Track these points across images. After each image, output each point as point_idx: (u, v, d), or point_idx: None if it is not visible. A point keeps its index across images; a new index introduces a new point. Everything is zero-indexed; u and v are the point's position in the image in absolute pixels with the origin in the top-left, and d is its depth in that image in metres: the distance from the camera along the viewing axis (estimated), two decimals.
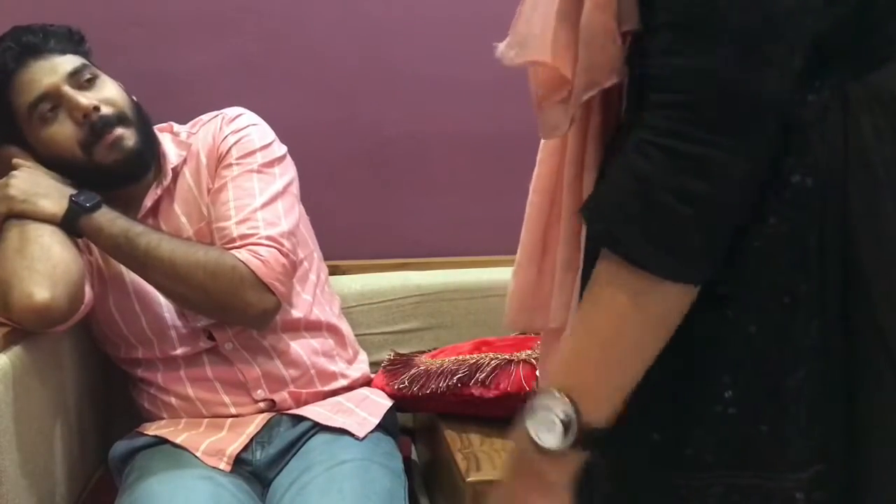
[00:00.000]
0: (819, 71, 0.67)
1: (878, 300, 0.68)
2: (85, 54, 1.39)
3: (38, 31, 1.35)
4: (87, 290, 1.34)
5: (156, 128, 1.47)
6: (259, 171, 1.41)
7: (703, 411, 0.70)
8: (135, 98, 1.43)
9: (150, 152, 1.41)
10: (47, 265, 1.24)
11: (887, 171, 0.68)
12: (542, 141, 0.86)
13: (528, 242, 0.90)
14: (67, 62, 1.35)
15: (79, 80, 1.34)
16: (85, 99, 1.33)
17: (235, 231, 1.35)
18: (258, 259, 1.33)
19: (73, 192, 1.32)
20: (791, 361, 0.68)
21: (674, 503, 0.72)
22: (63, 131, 1.33)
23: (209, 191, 1.43)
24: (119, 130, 1.34)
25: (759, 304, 0.69)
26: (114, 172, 1.36)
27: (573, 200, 0.82)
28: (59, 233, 1.29)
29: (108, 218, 1.31)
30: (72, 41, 1.38)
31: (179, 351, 1.43)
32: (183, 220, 1.43)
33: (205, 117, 1.50)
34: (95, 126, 1.33)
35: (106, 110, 1.34)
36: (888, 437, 0.69)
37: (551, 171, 0.86)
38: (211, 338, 1.43)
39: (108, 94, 1.36)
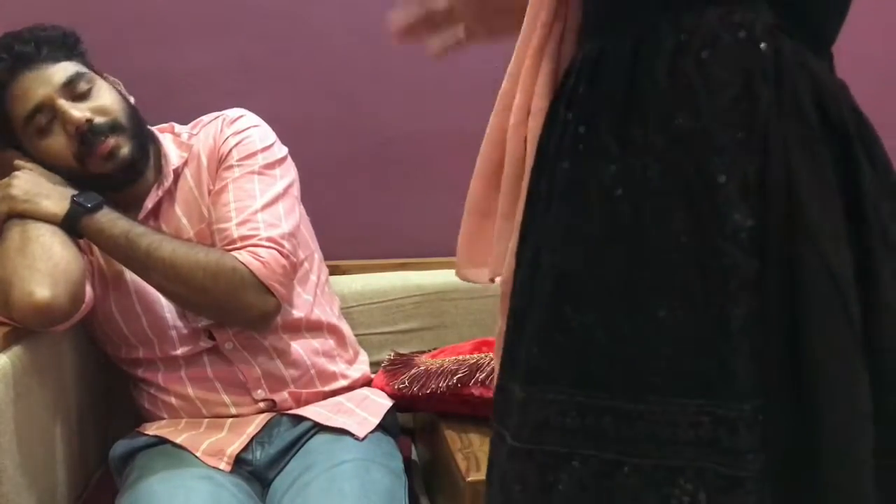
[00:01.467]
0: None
1: (817, 230, 0.69)
2: (80, 57, 1.38)
3: (30, 39, 1.33)
4: (88, 289, 1.35)
5: (156, 128, 1.48)
6: (260, 173, 1.41)
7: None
8: (132, 99, 1.42)
9: (144, 158, 1.40)
10: (48, 264, 1.25)
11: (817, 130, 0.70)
12: (500, 93, 0.88)
13: (473, 191, 0.91)
14: (61, 72, 1.33)
15: (73, 90, 1.33)
16: (77, 112, 1.32)
17: (236, 232, 1.35)
18: (258, 260, 1.33)
19: (75, 192, 1.32)
20: (735, 292, 0.69)
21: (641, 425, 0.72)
22: (57, 143, 1.33)
23: (210, 192, 1.43)
24: (112, 140, 1.34)
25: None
26: (109, 179, 1.36)
27: (516, 146, 0.83)
28: (59, 232, 1.29)
29: (109, 219, 1.32)
30: (65, 46, 1.36)
31: (180, 351, 1.43)
32: (184, 221, 1.43)
33: (206, 118, 1.50)
34: (87, 138, 1.32)
35: (99, 120, 1.33)
36: (839, 370, 0.69)
37: (501, 122, 0.87)
38: (211, 337, 1.43)
39: (102, 102, 1.35)
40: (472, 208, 0.91)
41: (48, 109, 1.32)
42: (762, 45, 0.70)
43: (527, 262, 0.80)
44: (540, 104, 0.82)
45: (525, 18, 0.84)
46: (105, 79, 1.41)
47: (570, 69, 0.80)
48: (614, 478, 0.72)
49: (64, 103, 1.32)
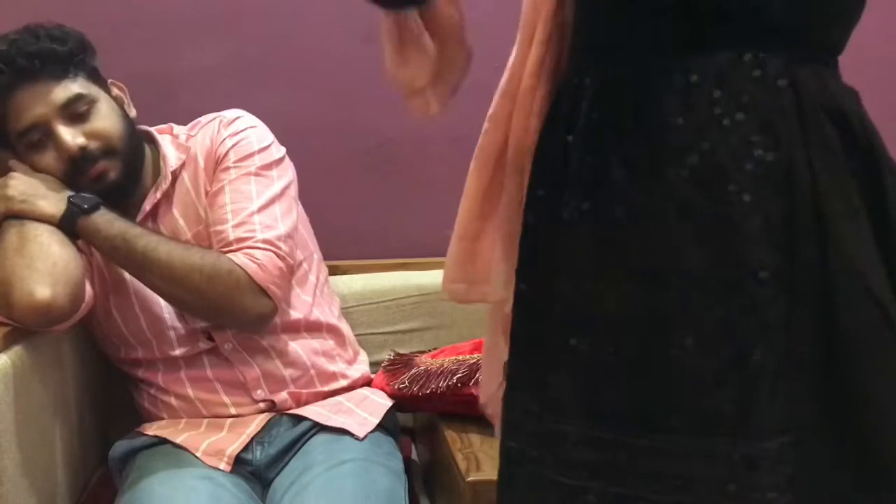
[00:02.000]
0: (763, 39, 0.70)
1: (864, 268, 0.69)
2: (86, 73, 1.35)
3: (34, 54, 1.30)
4: (88, 287, 1.34)
5: (155, 129, 1.47)
6: (256, 175, 1.41)
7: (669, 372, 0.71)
8: (134, 112, 1.41)
9: (133, 178, 1.40)
10: (47, 263, 1.24)
11: (843, 161, 0.70)
12: (490, 110, 0.88)
13: (466, 210, 0.90)
14: (61, 91, 1.31)
15: (71, 111, 1.31)
16: (71, 138, 1.31)
17: (232, 234, 1.35)
18: (255, 263, 1.33)
19: (72, 193, 1.32)
20: (754, 332, 0.69)
21: (649, 461, 0.72)
22: (48, 163, 1.33)
23: (207, 194, 1.43)
24: (102, 164, 1.33)
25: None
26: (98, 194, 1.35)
27: (517, 171, 0.83)
28: (57, 232, 1.29)
29: (106, 219, 1.31)
30: (70, 61, 1.33)
31: (179, 352, 1.43)
32: (181, 222, 1.43)
33: (203, 119, 1.49)
34: (78, 162, 1.32)
35: (93, 146, 1.32)
36: (891, 389, 0.69)
37: (496, 140, 0.87)
38: (210, 339, 1.43)
39: (99, 125, 1.34)
40: (462, 233, 0.90)
41: (42, 128, 1.31)
42: (780, 83, 0.70)
43: (534, 289, 0.79)
44: (535, 123, 0.82)
45: (518, 37, 0.83)
46: (109, 90, 1.40)
47: (564, 91, 0.79)
48: None
49: (60, 127, 1.31)
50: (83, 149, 1.31)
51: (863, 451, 0.70)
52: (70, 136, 1.31)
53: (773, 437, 0.69)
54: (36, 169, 1.34)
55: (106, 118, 1.35)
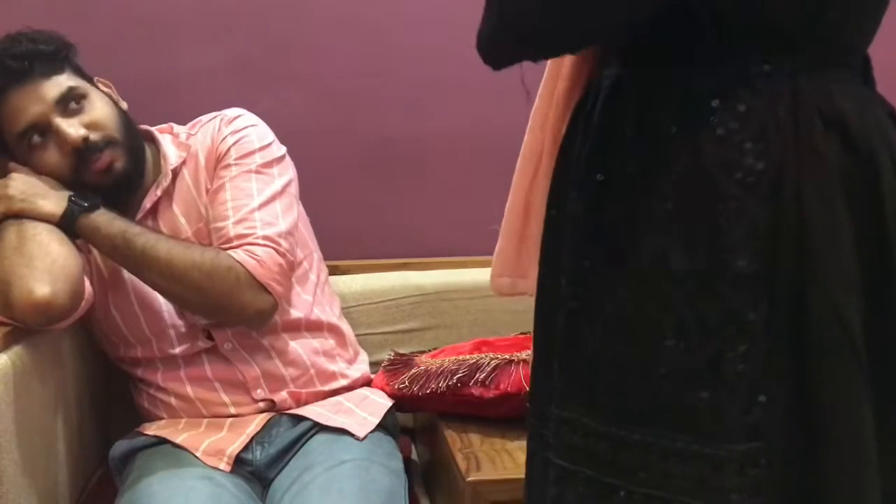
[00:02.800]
0: (768, 48, 0.70)
1: (833, 284, 0.70)
2: (72, 68, 1.37)
3: (22, 55, 1.31)
4: (88, 285, 1.34)
5: (156, 129, 1.48)
6: (257, 172, 1.42)
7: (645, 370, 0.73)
8: (125, 105, 1.42)
9: (139, 168, 1.41)
10: (46, 261, 1.25)
11: (834, 171, 0.70)
12: (533, 109, 0.90)
13: (511, 206, 0.92)
14: (54, 87, 1.32)
15: (66, 105, 1.33)
16: (73, 130, 1.31)
17: (233, 231, 1.36)
18: (254, 259, 1.33)
19: (71, 193, 1.32)
20: (732, 335, 0.70)
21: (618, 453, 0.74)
22: (52, 159, 1.33)
23: (207, 191, 1.43)
24: (107, 155, 1.34)
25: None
26: (104, 191, 1.36)
27: (551, 166, 0.84)
28: (56, 230, 1.29)
29: (105, 218, 1.32)
30: (57, 59, 1.35)
31: (178, 350, 1.43)
32: (182, 220, 1.43)
33: (204, 118, 1.50)
34: (83, 154, 1.32)
35: (94, 137, 1.33)
36: (847, 416, 0.70)
37: (539, 139, 0.89)
38: (210, 338, 1.43)
39: (95, 116, 1.35)
40: (508, 229, 0.94)
41: (43, 126, 1.32)
42: (780, 91, 0.70)
43: (547, 281, 0.82)
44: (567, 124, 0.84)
45: None
46: (96, 85, 1.40)
47: (588, 91, 0.81)
48: (612, 501, 0.73)
49: (59, 121, 1.32)
50: (86, 139, 1.32)
51: (816, 469, 0.70)
52: (71, 128, 1.32)
53: (743, 441, 0.70)
54: (41, 170, 1.34)
55: (99, 109, 1.36)
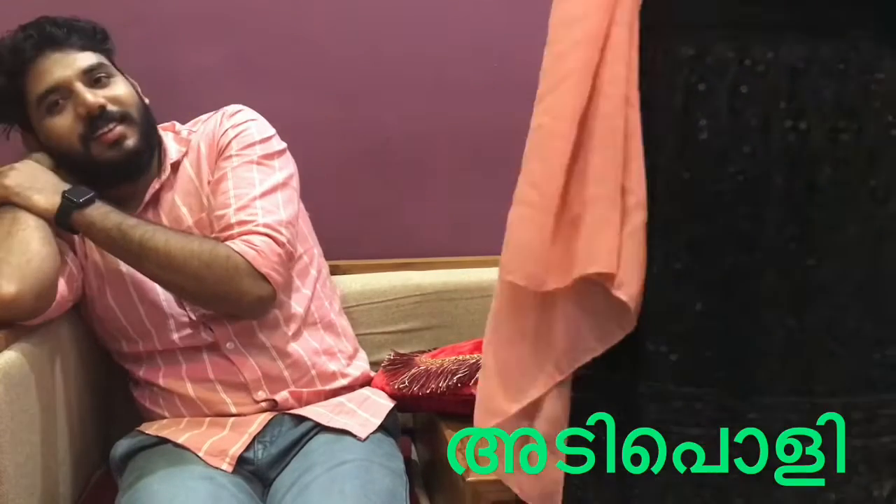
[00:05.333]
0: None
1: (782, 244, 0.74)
2: (106, 52, 1.42)
3: (63, 24, 1.37)
4: (62, 287, 1.34)
5: (159, 127, 1.48)
6: (259, 163, 1.42)
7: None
8: (147, 101, 1.44)
9: (149, 154, 1.42)
10: (21, 259, 1.25)
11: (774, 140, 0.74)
12: (571, 68, 0.74)
13: (542, 182, 0.76)
14: (84, 59, 1.37)
15: (92, 77, 1.37)
16: (92, 97, 1.34)
17: (234, 217, 1.36)
18: (253, 248, 1.33)
19: (68, 188, 1.33)
20: (692, 294, 0.76)
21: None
22: (65, 123, 1.35)
23: (209, 182, 1.43)
24: (120, 128, 1.36)
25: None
26: (110, 168, 1.37)
27: (614, 130, 0.73)
28: (43, 228, 1.30)
29: (101, 212, 1.32)
30: (94, 39, 1.40)
31: (178, 338, 1.43)
32: (183, 210, 1.44)
33: (204, 116, 1.52)
34: (96, 122, 1.34)
35: (112, 108, 1.36)
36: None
37: (579, 83, 0.73)
38: (210, 329, 1.43)
39: (118, 92, 1.38)
40: (540, 203, 0.77)
41: (64, 90, 1.35)
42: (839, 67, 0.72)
43: (661, 261, 0.78)
44: (634, 77, 0.75)
45: None
46: (126, 76, 1.44)
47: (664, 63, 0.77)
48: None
49: (81, 87, 1.35)
50: (102, 107, 1.34)
51: None
52: (91, 95, 1.35)
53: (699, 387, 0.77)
54: (52, 133, 1.36)
55: (123, 89, 1.40)
